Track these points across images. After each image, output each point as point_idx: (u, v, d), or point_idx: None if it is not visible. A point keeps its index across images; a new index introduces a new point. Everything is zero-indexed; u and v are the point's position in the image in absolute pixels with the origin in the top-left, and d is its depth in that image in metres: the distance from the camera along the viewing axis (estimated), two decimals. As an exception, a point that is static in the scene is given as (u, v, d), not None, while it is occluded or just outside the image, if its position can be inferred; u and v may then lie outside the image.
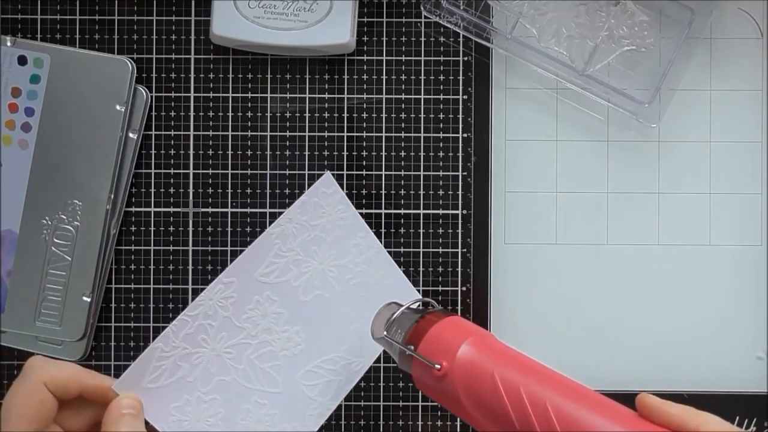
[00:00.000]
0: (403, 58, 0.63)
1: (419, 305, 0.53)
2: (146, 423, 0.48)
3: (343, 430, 0.54)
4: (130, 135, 0.62)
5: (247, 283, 0.52)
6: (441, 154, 0.63)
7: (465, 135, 0.63)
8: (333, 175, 0.63)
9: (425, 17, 0.63)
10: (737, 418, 0.61)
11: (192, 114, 0.64)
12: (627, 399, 0.45)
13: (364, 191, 0.63)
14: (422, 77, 0.63)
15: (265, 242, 0.53)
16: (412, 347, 0.48)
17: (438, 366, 0.47)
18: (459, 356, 0.46)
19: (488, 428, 0.46)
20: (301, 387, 0.54)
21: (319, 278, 0.54)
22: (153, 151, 0.63)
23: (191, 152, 0.64)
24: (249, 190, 0.63)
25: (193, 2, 0.64)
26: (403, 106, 0.63)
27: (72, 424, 0.48)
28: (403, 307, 0.51)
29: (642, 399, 0.45)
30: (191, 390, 0.51)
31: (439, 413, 0.63)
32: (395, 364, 0.59)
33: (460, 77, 0.63)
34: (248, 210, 0.63)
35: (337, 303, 0.55)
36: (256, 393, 0.53)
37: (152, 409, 0.49)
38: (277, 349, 0.53)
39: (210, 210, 0.63)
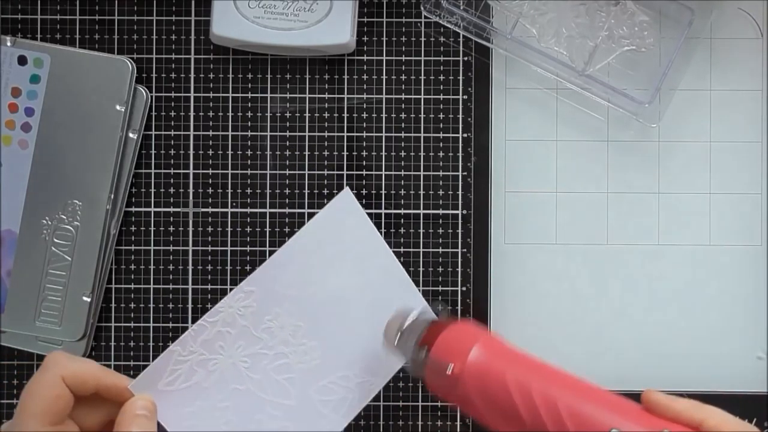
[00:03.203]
0: (403, 58, 0.63)
1: (426, 310, 0.55)
2: (159, 425, 0.48)
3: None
4: (130, 135, 0.62)
5: (267, 294, 0.52)
6: (441, 154, 0.63)
7: (465, 135, 0.63)
8: (333, 175, 0.63)
9: (425, 17, 0.63)
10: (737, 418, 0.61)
11: (192, 114, 0.64)
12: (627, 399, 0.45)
13: (364, 191, 0.63)
14: (422, 77, 0.63)
15: (288, 253, 0.53)
16: (425, 351, 0.50)
17: (450, 367, 0.48)
18: (471, 358, 0.48)
19: (501, 428, 0.47)
20: (315, 401, 0.54)
21: (339, 295, 0.54)
22: (153, 151, 0.63)
23: (191, 152, 0.64)
24: (249, 190, 0.63)
25: (193, 2, 0.64)
26: (403, 106, 0.63)
27: (86, 420, 0.48)
28: (412, 314, 0.53)
29: (648, 395, 0.46)
30: (205, 396, 0.51)
31: (439, 413, 0.63)
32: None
33: (460, 77, 0.63)
34: (248, 210, 0.63)
35: (355, 321, 0.55)
36: (270, 404, 0.53)
37: (166, 412, 0.49)
38: (292, 361, 0.53)
39: (210, 210, 0.63)
